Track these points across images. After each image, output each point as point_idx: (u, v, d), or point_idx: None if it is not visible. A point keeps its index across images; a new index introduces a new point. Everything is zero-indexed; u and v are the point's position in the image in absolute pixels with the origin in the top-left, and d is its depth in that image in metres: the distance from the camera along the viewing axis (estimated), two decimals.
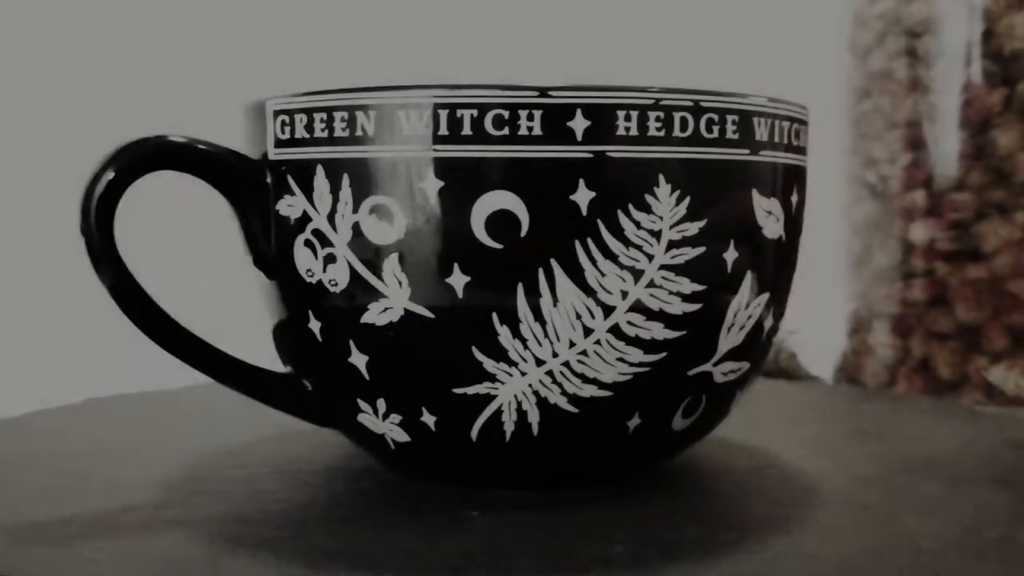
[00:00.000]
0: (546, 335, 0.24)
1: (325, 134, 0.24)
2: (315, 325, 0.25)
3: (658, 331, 0.24)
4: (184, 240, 0.47)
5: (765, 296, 0.26)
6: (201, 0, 0.56)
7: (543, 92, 0.23)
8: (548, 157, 0.23)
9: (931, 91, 0.43)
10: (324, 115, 0.24)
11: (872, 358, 0.46)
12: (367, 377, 0.25)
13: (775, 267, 0.26)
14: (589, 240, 0.23)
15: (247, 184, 0.25)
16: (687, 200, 0.24)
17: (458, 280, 0.23)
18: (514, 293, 0.23)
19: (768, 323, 0.26)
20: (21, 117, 0.54)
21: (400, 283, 0.24)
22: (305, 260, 0.25)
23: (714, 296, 0.25)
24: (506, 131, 0.23)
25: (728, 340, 0.25)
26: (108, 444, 0.32)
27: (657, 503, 0.26)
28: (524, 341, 0.24)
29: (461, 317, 0.24)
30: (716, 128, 0.24)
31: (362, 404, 0.25)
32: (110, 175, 0.24)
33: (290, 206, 0.25)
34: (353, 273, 0.24)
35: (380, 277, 0.24)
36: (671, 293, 0.24)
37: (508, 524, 0.24)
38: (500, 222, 0.23)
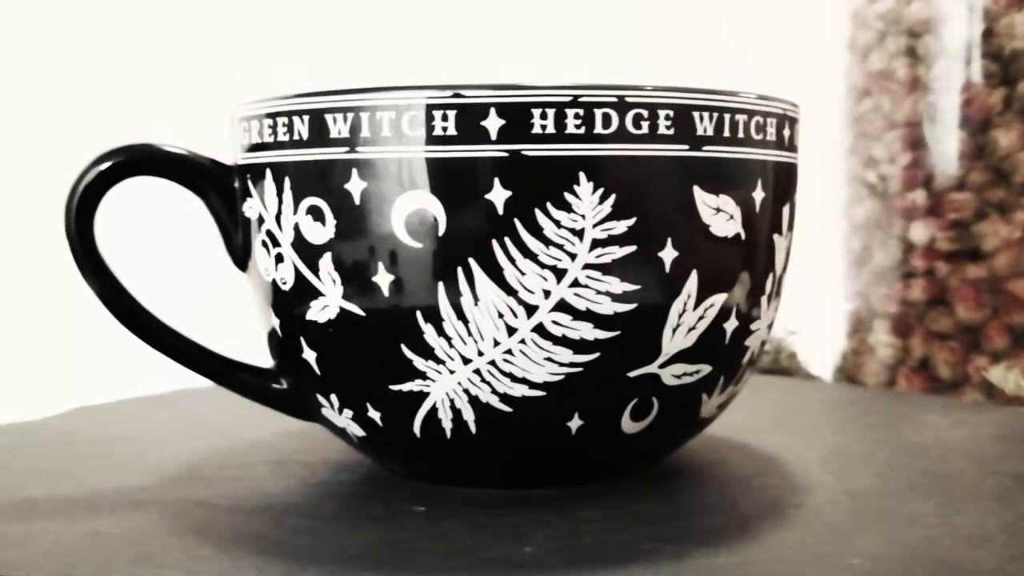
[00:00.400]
0: (469, 334, 0.24)
1: (272, 139, 0.25)
2: (275, 322, 0.26)
3: (587, 331, 0.24)
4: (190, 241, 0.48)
5: (720, 297, 0.25)
6: (206, 7, 0.58)
7: (456, 92, 0.23)
8: (463, 157, 0.23)
9: (931, 91, 0.43)
10: (271, 121, 0.25)
11: (872, 358, 0.46)
12: (318, 373, 0.26)
13: (733, 267, 0.25)
14: (507, 239, 0.23)
15: (219, 189, 0.27)
16: (612, 198, 0.23)
17: (383, 279, 0.24)
18: (435, 292, 0.23)
19: (732, 325, 0.25)
20: (18, 121, 0.55)
21: (334, 281, 0.24)
22: (263, 260, 0.26)
23: (650, 296, 0.24)
24: (422, 132, 0.23)
25: (675, 342, 0.24)
26: (123, 435, 0.34)
27: (616, 505, 0.25)
28: (449, 339, 0.24)
29: (389, 315, 0.24)
30: (646, 124, 0.23)
31: (320, 399, 0.26)
32: (89, 180, 0.26)
33: (250, 208, 0.26)
34: (297, 272, 0.25)
35: (318, 276, 0.25)
36: (599, 293, 0.23)
37: (441, 520, 0.24)
38: (419, 222, 0.23)
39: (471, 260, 0.23)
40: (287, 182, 0.25)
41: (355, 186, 0.24)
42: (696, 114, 0.24)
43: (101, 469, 0.29)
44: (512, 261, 0.23)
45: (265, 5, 0.56)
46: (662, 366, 0.25)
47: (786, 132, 0.26)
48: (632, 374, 0.24)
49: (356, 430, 0.26)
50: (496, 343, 0.24)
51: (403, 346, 0.24)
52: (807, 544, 0.22)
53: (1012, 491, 0.27)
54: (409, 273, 0.24)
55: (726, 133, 0.24)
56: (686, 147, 0.24)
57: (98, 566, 0.21)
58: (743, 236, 0.25)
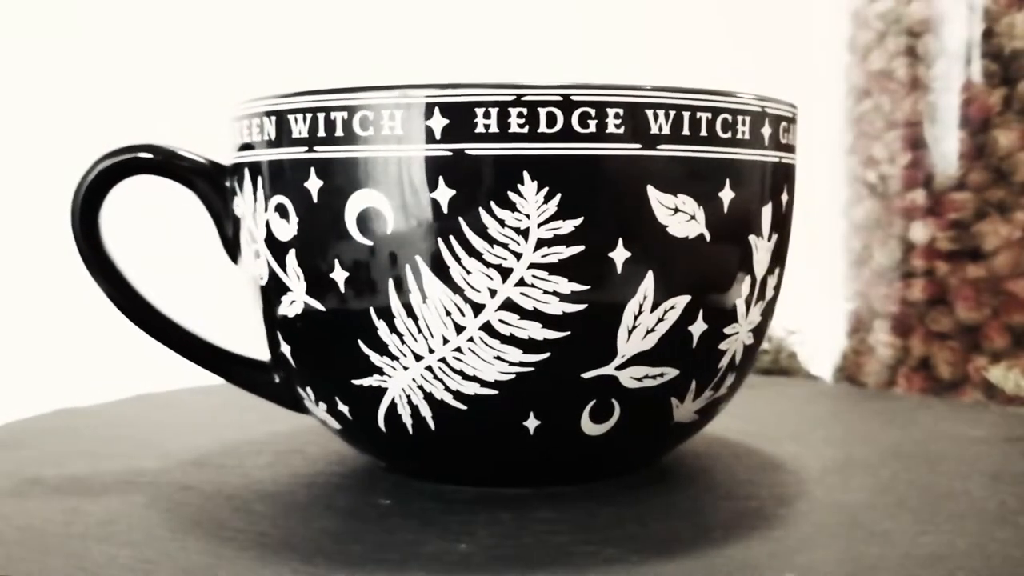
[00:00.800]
0: (419, 331, 0.24)
1: (249, 139, 0.26)
2: (259, 315, 0.27)
3: (536, 331, 0.24)
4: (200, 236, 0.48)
5: (682, 299, 0.24)
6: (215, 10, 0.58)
7: (403, 92, 0.23)
8: (409, 156, 0.23)
9: (931, 90, 0.43)
10: (248, 122, 0.26)
11: (872, 357, 0.46)
12: (294, 366, 0.27)
13: (697, 268, 0.24)
14: (452, 238, 0.23)
15: (215, 188, 0.28)
16: (557, 197, 0.23)
17: (339, 275, 0.24)
18: (386, 289, 0.24)
19: (700, 328, 0.25)
20: (18, 122, 0.56)
21: (299, 277, 0.25)
22: (247, 256, 0.27)
23: (602, 297, 0.24)
24: (371, 131, 0.23)
25: (632, 344, 0.24)
26: (167, 421, 0.36)
27: (581, 507, 0.25)
28: (401, 336, 0.24)
29: (345, 311, 0.25)
30: (593, 123, 0.23)
31: (300, 391, 0.27)
32: (92, 178, 0.28)
33: (237, 206, 0.27)
34: (270, 268, 0.26)
35: (286, 272, 0.25)
36: (546, 293, 0.23)
37: (397, 515, 0.25)
38: (369, 219, 0.24)
39: (418, 258, 0.23)
40: (259, 181, 0.25)
41: (313, 184, 0.24)
42: (650, 112, 0.23)
43: (116, 453, 0.31)
44: (458, 260, 0.23)
45: (268, 6, 0.58)
46: (619, 368, 0.24)
47: (765, 130, 0.25)
48: (587, 375, 0.24)
49: (332, 423, 0.27)
50: (446, 341, 0.24)
51: (360, 342, 0.24)
52: (749, 557, 0.22)
53: (1001, 502, 0.26)
54: (362, 270, 0.24)
55: (685, 131, 0.24)
56: (638, 146, 0.23)
57: (64, 540, 0.23)
58: (708, 237, 0.24)
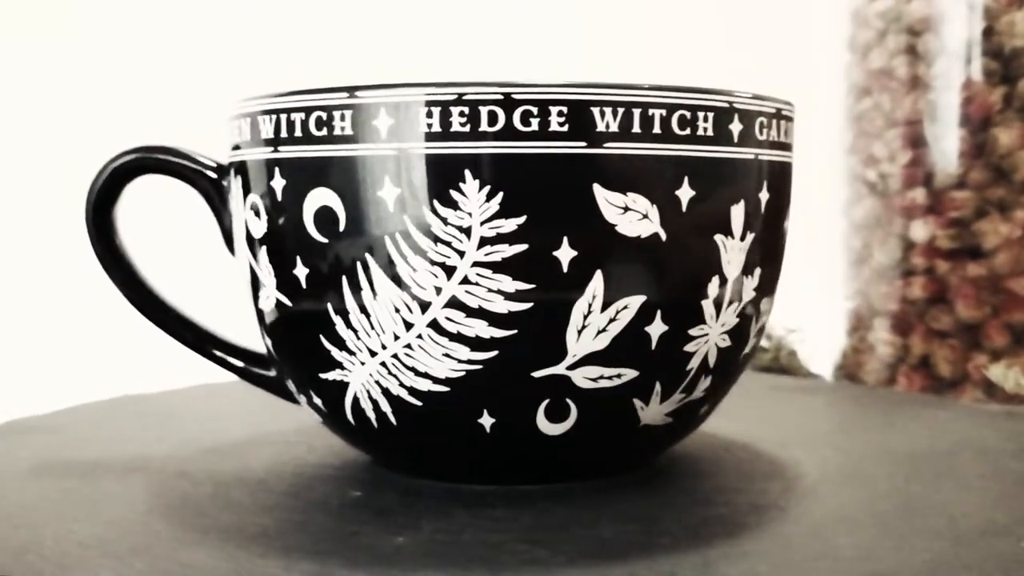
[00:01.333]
0: (372, 328, 0.24)
1: (237, 140, 0.27)
2: (250, 310, 0.28)
3: (482, 329, 0.24)
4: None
5: (636, 299, 0.24)
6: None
7: (351, 93, 0.24)
8: (358, 155, 0.24)
9: (931, 89, 0.43)
10: (235, 123, 0.27)
11: (872, 356, 0.46)
12: (276, 359, 0.27)
13: (653, 268, 0.24)
14: (398, 236, 0.23)
15: (215, 187, 0.29)
16: (500, 196, 0.23)
17: (301, 272, 0.25)
18: (341, 286, 0.24)
19: (659, 329, 0.24)
20: (20, 124, 0.56)
21: (270, 273, 0.26)
22: (239, 252, 0.28)
23: (548, 296, 0.23)
24: (325, 132, 0.24)
25: (584, 343, 0.24)
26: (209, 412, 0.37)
27: (541, 508, 0.25)
28: (356, 332, 0.25)
29: (307, 306, 0.25)
30: (535, 121, 0.23)
31: (286, 384, 0.28)
32: (104, 179, 0.29)
33: (229, 204, 0.28)
34: (250, 264, 0.27)
35: (260, 268, 0.26)
36: (491, 291, 0.23)
37: (358, 506, 0.25)
38: (324, 218, 0.24)
39: (368, 256, 0.24)
40: (240, 180, 0.26)
41: (278, 184, 0.25)
42: (595, 109, 0.23)
43: (139, 439, 0.33)
44: (404, 258, 0.24)
45: (269, 6, 0.58)
46: (571, 368, 0.24)
47: (735, 127, 0.25)
48: (537, 374, 0.24)
49: (314, 414, 0.28)
50: (396, 337, 0.24)
51: (322, 337, 0.25)
52: (680, 569, 0.21)
53: (1001, 503, 0.25)
54: (320, 267, 0.25)
55: (635, 129, 0.23)
56: (583, 144, 0.23)
57: (50, 517, 0.24)
58: (664, 236, 0.24)
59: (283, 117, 0.25)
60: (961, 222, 0.42)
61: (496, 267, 0.23)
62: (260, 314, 0.27)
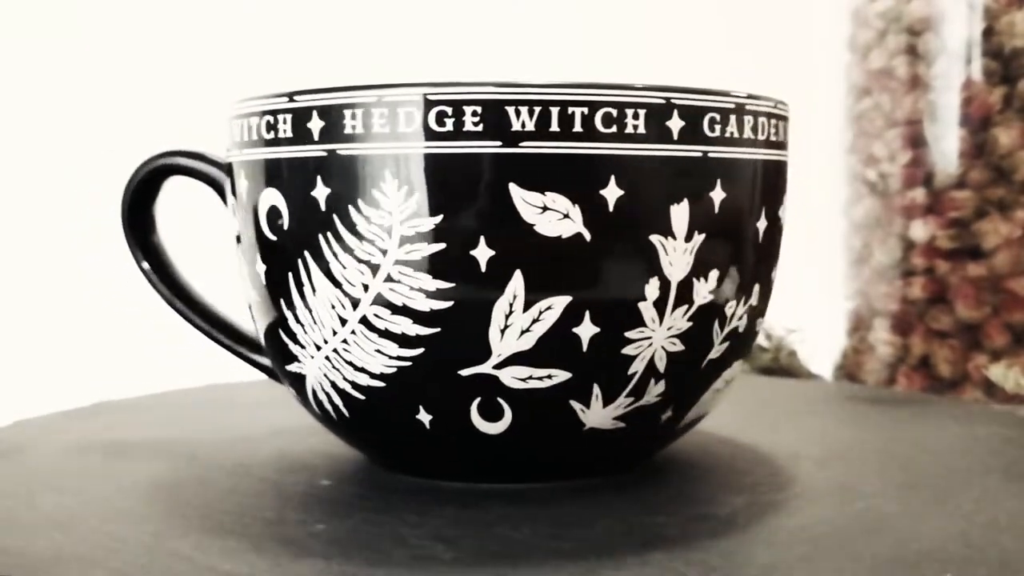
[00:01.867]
0: (314, 322, 0.25)
1: (227, 144, 0.28)
2: None
3: (407, 326, 0.24)
4: None
5: (561, 299, 0.24)
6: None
7: (291, 97, 0.25)
8: (295, 157, 0.25)
9: (931, 89, 0.43)
10: (227, 126, 0.28)
11: (872, 356, 0.46)
12: (265, 350, 0.29)
13: (577, 269, 0.24)
14: (329, 234, 0.24)
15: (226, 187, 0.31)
16: (416, 195, 0.23)
17: (260, 267, 0.26)
18: (288, 282, 0.25)
19: (589, 331, 0.24)
20: (21, 124, 0.55)
21: (242, 268, 0.27)
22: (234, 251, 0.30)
23: (468, 295, 0.24)
24: (272, 135, 0.25)
25: (508, 343, 0.24)
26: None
27: (512, 506, 0.25)
28: (303, 327, 0.26)
29: (266, 300, 0.26)
30: (449, 121, 0.23)
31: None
32: (137, 180, 0.31)
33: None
34: (237, 259, 0.28)
35: (239, 265, 0.28)
36: (413, 289, 0.24)
37: (315, 497, 0.26)
38: (273, 217, 0.25)
39: (307, 253, 0.25)
40: (228, 182, 0.28)
41: (241, 185, 0.26)
42: (510, 109, 0.23)
43: (175, 425, 0.35)
44: (335, 255, 0.24)
45: (270, 6, 0.58)
46: (498, 367, 0.24)
47: (673, 124, 0.24)
48: (464, 372, 0.24)
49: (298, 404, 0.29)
50: (335, 332, 0.25)
51: (280, 331, 0.26)
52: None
53: (999, 504, 0.25)
54: (274, 264, 0.26)
55: (554, 128, 0.23)
56: (498, 143, 0.23)
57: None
58: (588, 236, 0.23)
59: (240, 123, 0.26)
60: (961, 222, 0.42)
61: (416, 265, 0.24)
62: (249, 309, 0.29)
